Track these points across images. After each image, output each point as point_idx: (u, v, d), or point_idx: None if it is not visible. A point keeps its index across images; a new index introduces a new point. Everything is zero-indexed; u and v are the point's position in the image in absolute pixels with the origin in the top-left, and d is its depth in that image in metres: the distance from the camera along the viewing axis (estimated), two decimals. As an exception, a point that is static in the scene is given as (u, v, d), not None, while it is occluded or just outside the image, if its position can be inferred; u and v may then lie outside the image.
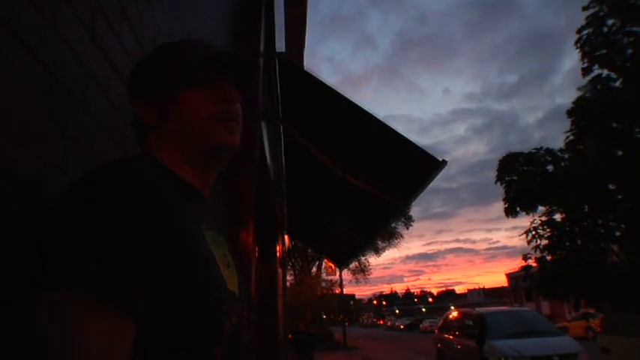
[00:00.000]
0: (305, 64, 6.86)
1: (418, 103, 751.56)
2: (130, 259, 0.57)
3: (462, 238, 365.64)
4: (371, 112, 3.48)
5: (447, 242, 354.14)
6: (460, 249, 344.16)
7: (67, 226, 0.58)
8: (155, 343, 0.61)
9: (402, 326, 59.52)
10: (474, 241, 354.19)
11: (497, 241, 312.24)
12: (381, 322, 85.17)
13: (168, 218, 0.64)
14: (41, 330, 0.53)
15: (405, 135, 3.41)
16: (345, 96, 3.54)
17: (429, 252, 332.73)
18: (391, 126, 3.48)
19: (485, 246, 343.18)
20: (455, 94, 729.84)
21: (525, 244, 14.09)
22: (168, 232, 0.63)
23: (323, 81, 3.65)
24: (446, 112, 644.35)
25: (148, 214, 0.61)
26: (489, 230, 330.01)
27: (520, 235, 16.91)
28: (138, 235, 0.59)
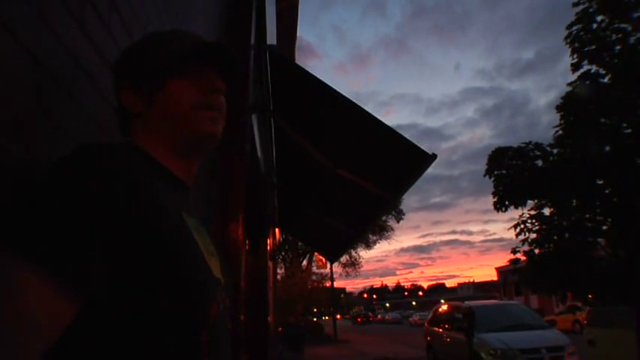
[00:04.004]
0: (296, 56, 6.85)
1: (427, 81, 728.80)
2: (90, 239, 0.58)
3: (458, 229, 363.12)
4: (361, 106, 3.49)
5: (442, 234, 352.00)
6: (456, 241, 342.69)
7: (35, 201, 0.59)
8: (141, 326, 0.62)
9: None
10: (470, 233, 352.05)
11: (494, 233, 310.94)
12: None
13: (146, 202, 0.65)
14: None
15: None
16: (335, 89, 3.55)
17: (424, 244, 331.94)
18: (384, 122, 3.50)
19: (481, 238, 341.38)
20: (466, 70, 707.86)
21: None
22: (145, 216, 0.64)
23: (313, 74, 3.66)
24: (455, 91, 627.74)
25: (121, 197, 0.62)
26: (486, 222, 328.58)
27: (508, 229, 16.99)
28: (105, 217, 0.59)
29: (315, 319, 33.88)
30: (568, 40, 13.57)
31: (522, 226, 14.04)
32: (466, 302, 11.47)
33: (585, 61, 13.42)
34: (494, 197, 14.09)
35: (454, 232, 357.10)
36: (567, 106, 13.06)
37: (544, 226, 13.59)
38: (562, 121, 13.41)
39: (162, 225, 0.66)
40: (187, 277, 0.67)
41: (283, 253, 31.74)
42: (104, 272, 0.59)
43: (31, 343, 0.53)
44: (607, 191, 12.87)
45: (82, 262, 0.57)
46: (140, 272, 0.62)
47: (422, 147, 3.45)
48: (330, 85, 3.57)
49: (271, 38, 4.84)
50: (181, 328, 0.65)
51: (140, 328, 0.62)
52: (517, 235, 14.05)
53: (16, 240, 0.55)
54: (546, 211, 13.88)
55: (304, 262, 33.27)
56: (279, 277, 21.54)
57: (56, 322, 0.56)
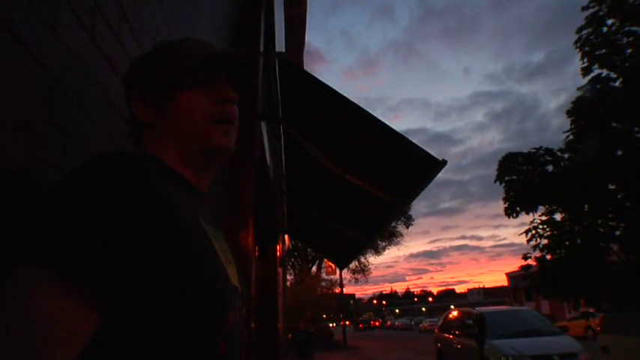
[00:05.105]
0: (304, 62, 6.87)
1: (436, 85, 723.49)
2: (113, 249, 0.56)
3: (468, 234, 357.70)
4: (370, 112, 3.48)
5: (452, 239, 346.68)
6: (465, 246, 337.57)
7: (54, 210, 0.58)
8: (160, 336, 0.61)
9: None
10: (480, 238, 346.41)
11: (504, 238, 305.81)
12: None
13: (166, 211, 0.64)
14: (4, 298, 0.53)
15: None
16: (344, 95, 3.55)
17: (434, 249, 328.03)
18: (393, 128, 3.49)
19: (491, 243, 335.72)
20: (475, 74, 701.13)
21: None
22: (165, 226, 0.62)
23: (322, 81, 3.66)
24: (465, 95, 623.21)
25: (141, 206, 0.60)
26: (496, 227, 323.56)
27: (520, 235, 16.91)
28: (126, 226, 0.58)
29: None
30: (578, 44, 13.51)
31: (534, 231, 13.95)
32: (477, 308, 11.36)
33: (596, 65, 13.35)
34: (505, 203, 14.03)
35: (464, 238, 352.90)
36: (578, 110, 12.98)
37: (555, 232, 13.49)
38: (572, 126, 13.33)
39: (182, 234, 0.65)
40: (208, 286, 0.66)
41: (293, 260, 31.77)
42: (127, 282, 0.58)
43: (55, 356, 0.52)
44: (619, 196, 12.75)
45: (105, 273, 0.56)
46: (162, 282, 0.61)
47: (431, 152, 3.43)
48: (339, 90, 3.56)
49: (279, 45, 4.86)
50: (200, 337, 0.64)
51: (159, 339, 0.61)
52: (528, 240, 13.98)
53: (40, 252, 0.55)
54: (558, 217, 13.79)
55: (313, 269, 33.25)
56: (288, 283, 21.51)
57: (79, 336, 0.55)
